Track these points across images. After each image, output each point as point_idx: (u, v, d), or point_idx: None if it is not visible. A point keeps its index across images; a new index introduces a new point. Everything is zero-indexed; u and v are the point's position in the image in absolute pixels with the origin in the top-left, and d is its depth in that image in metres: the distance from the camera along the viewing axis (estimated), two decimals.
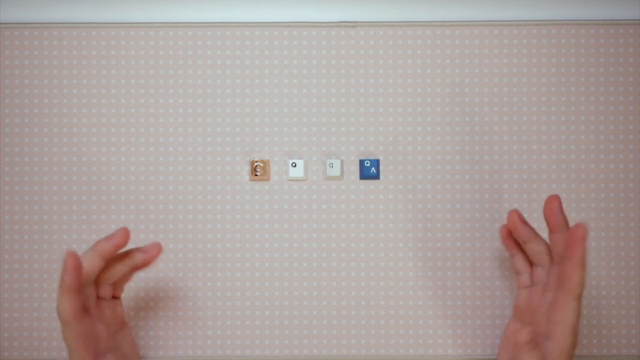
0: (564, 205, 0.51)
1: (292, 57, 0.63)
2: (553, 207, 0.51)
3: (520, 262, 0.55)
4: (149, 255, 0.53)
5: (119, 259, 0.53)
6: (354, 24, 0.63)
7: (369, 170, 0.62)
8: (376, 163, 0.62)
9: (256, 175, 0.62)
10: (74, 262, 0.48)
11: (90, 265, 0.51)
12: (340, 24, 0.63)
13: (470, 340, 0.62)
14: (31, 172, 0.62)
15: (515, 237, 0.55)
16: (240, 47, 0.63)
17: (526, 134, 0.62)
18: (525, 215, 0.61)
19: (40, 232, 0.62)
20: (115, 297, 0.55)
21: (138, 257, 0.53)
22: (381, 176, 0.62)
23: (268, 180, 0.62)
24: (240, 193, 0.62)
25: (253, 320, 0.62)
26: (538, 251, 0.53)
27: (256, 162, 0.62)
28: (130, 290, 0.62)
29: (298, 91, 0.63)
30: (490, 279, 0.62)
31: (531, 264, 0.55)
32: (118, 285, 0.55)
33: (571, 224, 0.50)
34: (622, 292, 0.62)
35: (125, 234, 0.52)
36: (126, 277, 0.55)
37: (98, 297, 0.53)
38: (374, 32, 0.63)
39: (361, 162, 0.62)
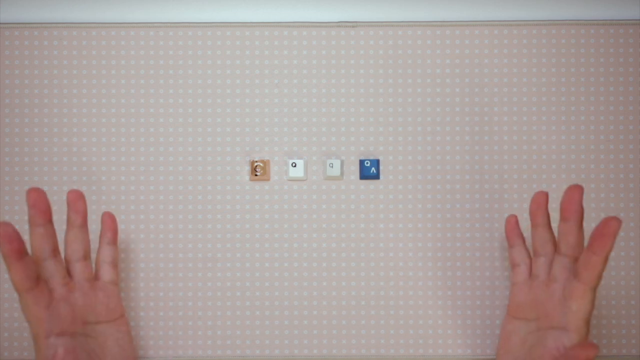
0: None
1: (292, 57, 0.63)
2: (575, 196, 0.50)
3: (520, 253, 0.56)
4: (106, 225, 0.56)
5: (75, 233, 0.53)
6: (354, 24, 0.63)
7: (369, 170, 0.62)
8: (376, 163, 0.62)
9: (256, 175, 0.62)
10: (6, 230, 0.46)
11: (38, 238, 0.50)
12: (340, 24, 0.63)
13: (470, 340, 0.62)
14: (31, 172, 0.62)
15: (532, 218, 0.54)
16: (240, 47, 0.63)
17: (526, 134, 0.62)
18: (524, 215, 0.61)
19: None
20: (113, 284, 0.55)
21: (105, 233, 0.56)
22: (381, 176, 0.62)
23: (268, 180, 0.62)
24: (240, 193, 0.62)
25: (253, 320, 0.62)
26: (546, 239, 0.53)
27: (256, 162, 0.62)
28: (130, 290, 0.62)
29: (298, 91, 0.63)
30: (490, 279, 0.62)
31: (529, 255, 0.55)
32: (100, 266, 0.54)
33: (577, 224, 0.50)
34: (622, 292, 0.62)
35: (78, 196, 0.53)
36: (103, 254, 0.55)
37: (70, 276, 0.52)
38: (374, 32, 0.63)
39: (361, 162, 0.62)
